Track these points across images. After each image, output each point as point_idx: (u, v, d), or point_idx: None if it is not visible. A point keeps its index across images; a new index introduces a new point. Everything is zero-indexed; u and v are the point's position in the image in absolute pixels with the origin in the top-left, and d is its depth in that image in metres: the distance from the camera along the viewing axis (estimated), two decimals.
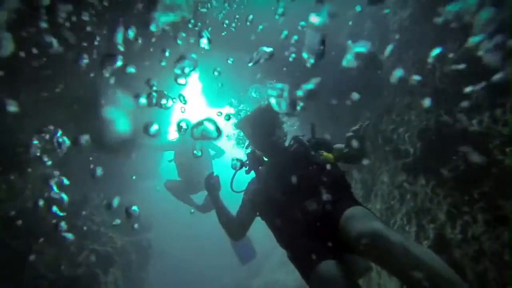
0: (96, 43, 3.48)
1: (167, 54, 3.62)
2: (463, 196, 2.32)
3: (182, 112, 4.49)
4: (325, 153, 1.84)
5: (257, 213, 1.94)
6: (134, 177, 5.15)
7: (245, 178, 2.15)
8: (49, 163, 4.42)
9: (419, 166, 2.93)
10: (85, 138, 3.19)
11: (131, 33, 2.70)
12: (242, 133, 2.28)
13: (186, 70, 2.10)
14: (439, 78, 2.52)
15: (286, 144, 2.08)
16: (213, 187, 2.02)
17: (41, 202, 3.58)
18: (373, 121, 3.96)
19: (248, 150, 2.08)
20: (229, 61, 4.69)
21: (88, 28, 3.28)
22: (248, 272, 8.30)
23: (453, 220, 2.40)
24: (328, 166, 1.76)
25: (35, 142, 3.60)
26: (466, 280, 2.16)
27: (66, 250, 3.88)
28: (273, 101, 1.64)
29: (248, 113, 2.16)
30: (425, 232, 2.82)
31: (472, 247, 2.14)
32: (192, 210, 5.39)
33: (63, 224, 3.71)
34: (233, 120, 2.97)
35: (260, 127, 1.96)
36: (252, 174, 2.05)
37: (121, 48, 2.83)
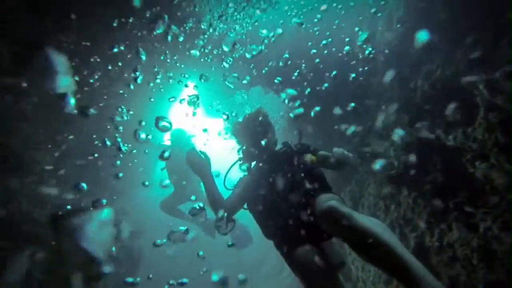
0: None
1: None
2: (440, 206, 2.50)
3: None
4: (309, 156, 2.04)
5: (245, 205, 2.12)
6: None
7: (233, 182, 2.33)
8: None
9: (403, 178, 3.12)
10: None
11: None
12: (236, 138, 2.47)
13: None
14: (420, 96, 2.73)
15: (277, 148, 2.32)
16: (199, 163, 2.06)
17: None
18: (361, 134, 4.17)
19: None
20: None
21: None
22: (237, 281, 8.27)
23: (431, 229, 2.57)
24: (311, 167, 1.99)
25: None
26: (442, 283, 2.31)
27: (57, 253, 3.91)
28: None
29: (240, 119, 2.37)
30: (407, 241, 2.97)
31: (447, 253, 2.30)
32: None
33: None
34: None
35: (253, 131, 2.19)
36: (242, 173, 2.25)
37: None
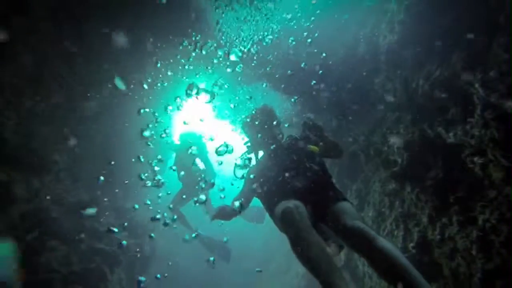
0: None
1: None
2: (441, 201, 2.60)
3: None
4: (312, 146, 2.29)
5: (255, 193, 2.32)
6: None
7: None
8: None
9: (406, 174, 3.21)
10: None
11: None
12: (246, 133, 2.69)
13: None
14: (421, 96, 2.84)
15: (283, 140, 2.57)
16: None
17: None
18: (366, 134, 4.28)
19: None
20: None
21: None
22: (246, 279, 8.42)
23: (433, 223, 2.67)
24: (314, 156, 2.29)
25: None
26: (442, 276, 2.41)
27: (76, 247, 4.12)
28: None
29: (250, 114, 2.62)
30: (411, 235, 3.07)
31: (448, 246, 2.40)
32: None
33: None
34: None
35: (260, 125, 2.47)
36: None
37: None
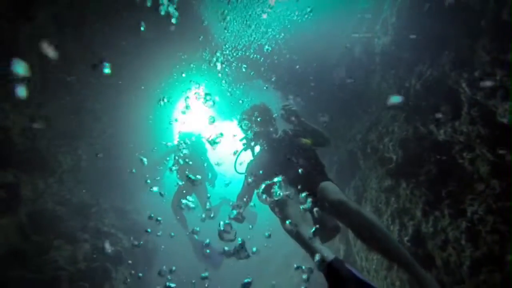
0: None
1: None
2: (434, 195, 2.71)
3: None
4: (304, 140, 2.50)
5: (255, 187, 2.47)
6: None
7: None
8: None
9: (401, 171, 3.33)
10: None
11: None
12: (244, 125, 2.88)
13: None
14: (414, 94, 2.96)
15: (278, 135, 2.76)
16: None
17: None
18: (363, 132, 4.40)
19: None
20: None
21: None
22: (248, 275, 8.49)
23: (426, 216, 2.78)
24: (306, 148, 2.51)
25: None
26: (435, 266, 2.53)
27: (81, 247, 4.22)
28: None
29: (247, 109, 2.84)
30: (406, 229, 3.18)
31: (440, 237, 2.51)
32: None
33: None
34: None
35: (257, 121, 2.65)
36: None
37: None
